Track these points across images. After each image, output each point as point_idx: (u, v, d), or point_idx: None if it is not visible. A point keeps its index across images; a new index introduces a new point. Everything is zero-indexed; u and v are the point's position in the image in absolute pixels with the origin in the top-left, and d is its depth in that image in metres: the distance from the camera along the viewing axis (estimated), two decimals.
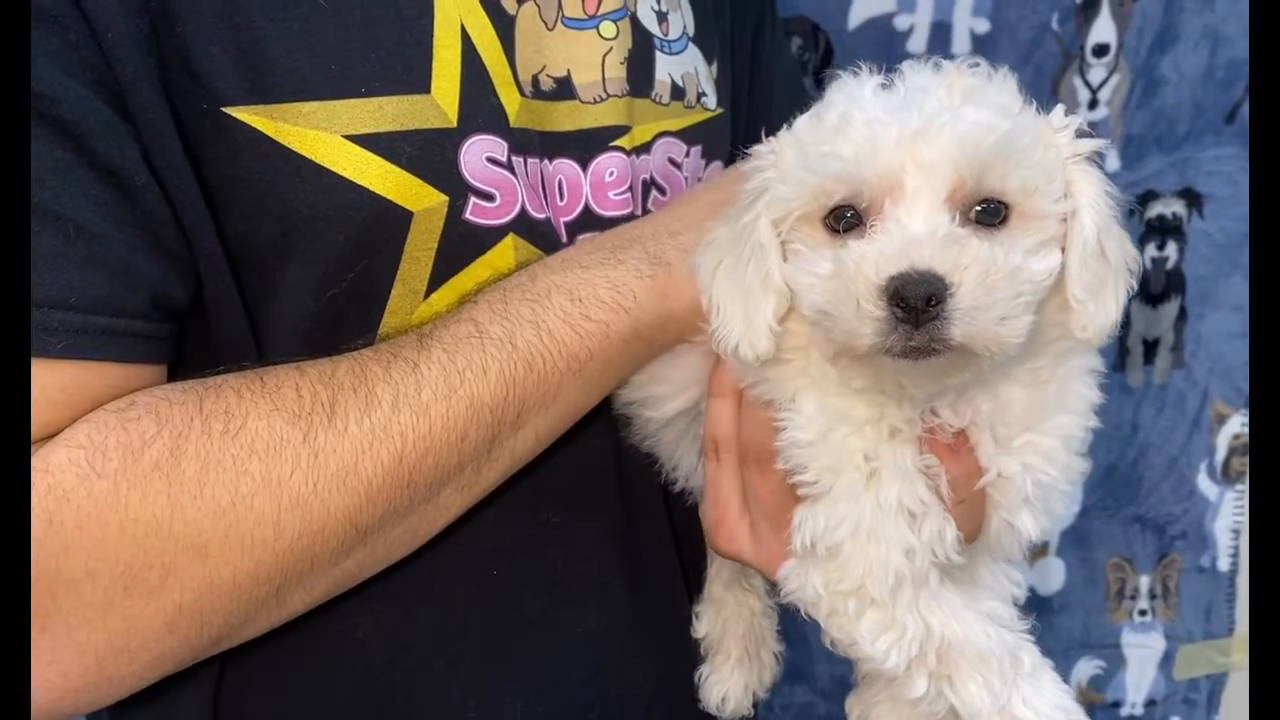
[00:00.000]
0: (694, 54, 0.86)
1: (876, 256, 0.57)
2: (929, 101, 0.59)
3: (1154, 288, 1.45)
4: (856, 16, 1.32)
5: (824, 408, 0.63)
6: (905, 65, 0.64)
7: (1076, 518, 1.57)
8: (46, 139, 0.56)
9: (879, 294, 0.56)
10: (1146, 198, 1.41)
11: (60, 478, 0.54)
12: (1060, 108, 0.65)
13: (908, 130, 0.58)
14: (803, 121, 0.64)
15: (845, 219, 0.61)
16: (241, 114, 0.61)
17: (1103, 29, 1.34)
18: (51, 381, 0.56)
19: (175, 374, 0.64)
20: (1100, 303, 0.62)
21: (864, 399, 0.63)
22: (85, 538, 0.55)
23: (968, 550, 0.69)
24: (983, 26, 1.33)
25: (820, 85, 1.38)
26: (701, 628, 0.85)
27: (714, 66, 0.88)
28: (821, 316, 0.60)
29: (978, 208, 0.59)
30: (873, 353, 0.57)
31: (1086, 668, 1.65)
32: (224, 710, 0.70)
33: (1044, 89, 1.36)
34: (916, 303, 0.55)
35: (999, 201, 0.60)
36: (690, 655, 0.85)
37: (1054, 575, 1.60)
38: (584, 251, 0.70)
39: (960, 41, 1.33)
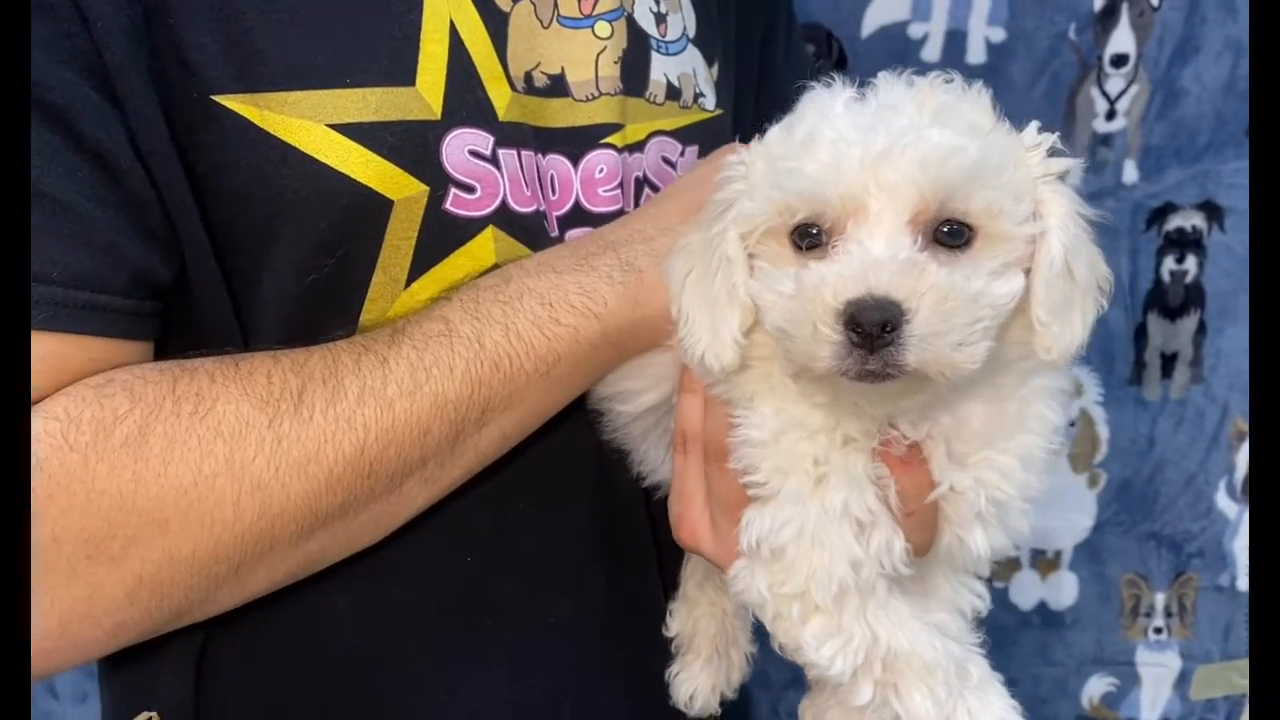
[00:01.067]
0: (693, 55, 0.86)
1: (835, 279, 0.56)
2: (897, 120, 0.59)
3: (1172, 301, 1.43)
4: (870, 24, 1.32)
5: (779, 411, 0.64)
6: (880, 77, 0.63)
7: (1090, 532, 1.56)
8: (36, 122, 0.58)
9: (835, 318, 0.56)
10: (1165, 210, 1.40)
11: (35, 447, 0.57)
12: (1034, 125, 0.64)
13: (872, 151, 0.57)
14: (774, 133, 0.64)
15: (810, 236, 0.61)
16: (230, 102, 0.64)
17: (1121, 39, 1.32)
18: (33, 352, 0.58)
19: (162, 353, 0.67)
20: (1065, 324, 0.62)
21: (822, 409, 0.63)
22: (54, 506, 0.57)
23: (923, 562, 0.70)
24: (998, 35, 1.32)
25: None
26: (674, 625, 0.85)
27: (715, 68, 0.89)
28: (781, 335, 0.60)
29: (942, 229, 0.59)
30: (829, 374, 0.57)
31: (1099, 684, 1.63)
32: (205, 679, 0.72)
33: (1060, 99, 1.35)
34: (871, 329, 0.55)
35: (963, 223, 0.59)
36: (666, 650, 0.85)
37: (1066, 589, 1.58)
38: (559, 256, 0.72)
39: (975, 50, 1.33)
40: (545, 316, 0.68)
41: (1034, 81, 1.34)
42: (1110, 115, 1.36)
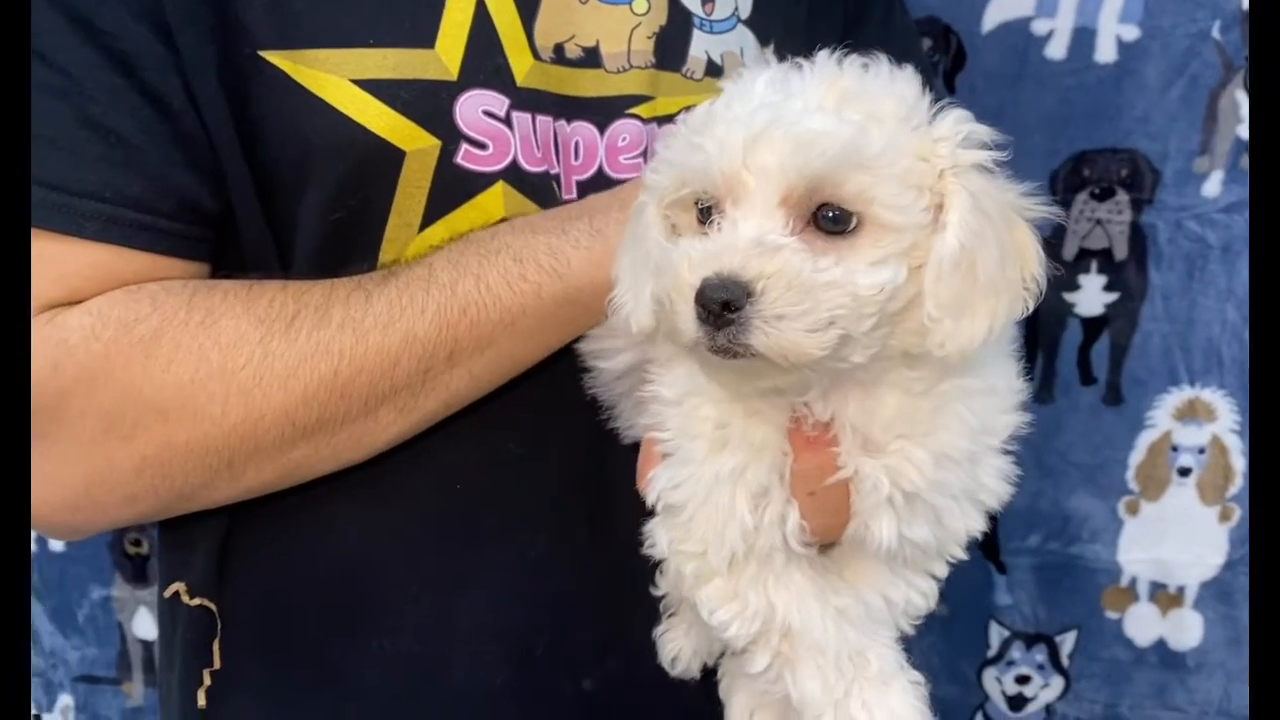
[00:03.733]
0: (742, 35, 0.90)
1: (695, 256, 0.59)
2: (791, 103, 0.60)
3: None
4: (991, 19, 1.29)
5: (692, 374, 0.67)
6: (817, 57, 0.64)
7: (1219, 570, 1.44)
8: (105, 65, 0.70)
9: (691, 293, 0.59)
10: None
11: (68, 334, 0.69)
12: (952, 115, 0.63)
13: (752, 132, 0.59)
14: (701, 107, 0.66)
15: (705, 211, 0.63)
16: (272, 57, 0.74)
17: None
18: (85, 258, 0.71)
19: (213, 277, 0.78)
20: (963, 321, 0.60)
21: (728, 381, 0.66)
22: (79, 385, 0.70)
23: (846, 548, 0.71)
24: (1131, 33, 1.25)
25: (952, 90, 1.36)
26: (663, 585, 0.87)
27: (770, 49, 0.91)
28: (659, 304, 0.63)
29: (825, 214, 0.60)
30: (691, 346, 0.60)
31: None
32: (226, 561, 0.84)
33: (1200, 102, 1.25)
34: (713, 307, 0.57)
35: (843, 209, 0.60)
36: (652, 604, 0.87)
37: (1189, 629, 1.47)
38: (544, 217, 0.78)
39: (1105, 49, 1.26)
40: (515, 272, 0.75)
41: (1170, 83, 1.25)
42: None
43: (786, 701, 0.69)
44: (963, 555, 0.73)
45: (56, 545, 1.65)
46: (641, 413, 0.81)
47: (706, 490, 0.65)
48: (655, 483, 0.68)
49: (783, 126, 0.58)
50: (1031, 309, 0.63)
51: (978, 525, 0.70)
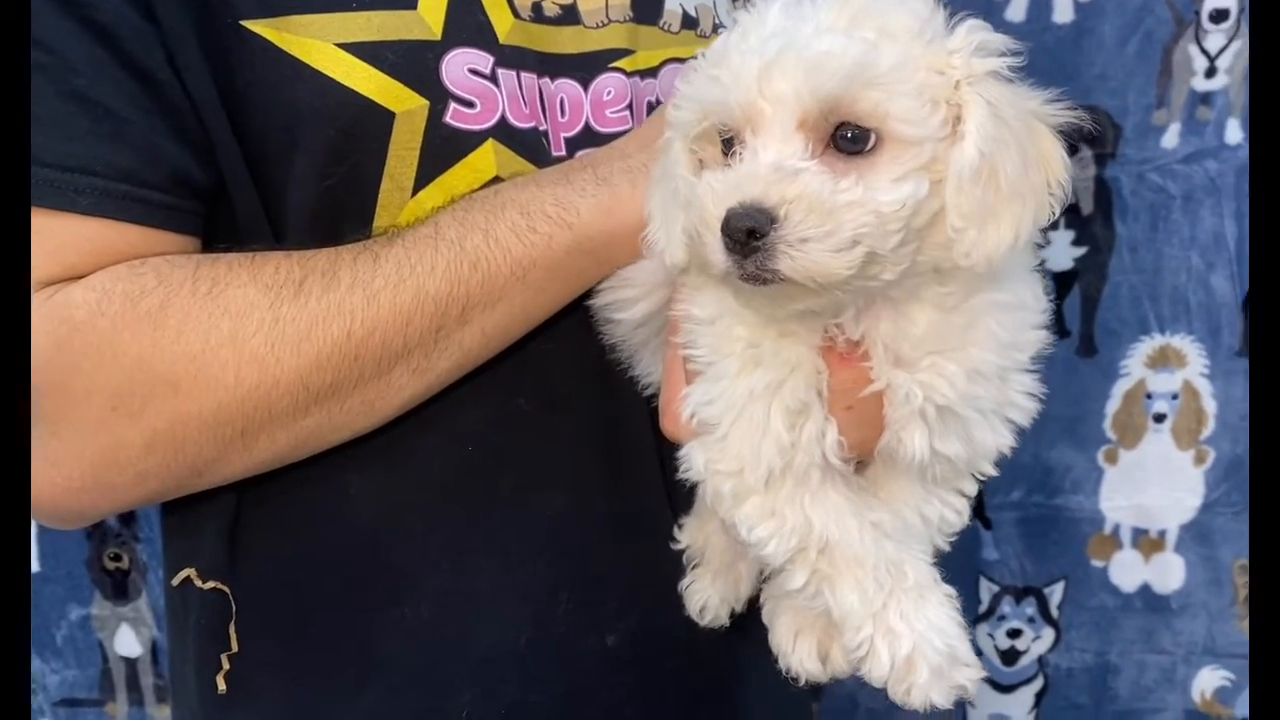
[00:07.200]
0: None
1: (720, 187, 0.60)
2: (803, 28, 0.61)
3: None
4: None
5: (723, 297, 0.67)
6: None
7: (1197, 513, 1.49)
8: (88, 40, 0.69)
9: (717, 224, 0.59)
10: None
11: (73, 312, 0.68)
12: (965, 26, 0.62)
13: (765, 60, 0.60)
14: (719, 41, 0.66)
15: (727, 143, 0.64)
16: (254, 26, 0.73)
17: None
18: (79, 233, 0.69)
19: (208, 250, 0.76)
20: (989, 229, 0.61)
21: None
22: (86, 362, 0.68)
23: (881, 466, 0.73)
24: None
25: None
26: (684, 538, 0.88)
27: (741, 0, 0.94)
28: (690, 238, 0.64)
29: (844, 135, 0.60)
30: (722, 276, 0.61)
31: (1211, 678, 1.55)
32: (238, 544, 0.82)
33: (1155, 57, 1.31)
34: (738, 236, 0.58)
35: (862, 127, 0.60)
36: (673, 556, 0.88)
37: (1172, 572, 1.52)
38: (545, 173, 0.78)
39: (1062, 9, 1.31)
40: (523, 225, 0.74)
41: (1125, 40, 1.30)
42: (1210, 73, 1.31)
43: (827, 618, 0.70)
44: (993, 471, 0.74)
45: (32, 565, 1.60)
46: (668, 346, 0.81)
47: (740, 406, 0.66)
48: (689, 400, 0.68)
49: (794, 51, 0.59)
50: (1058, 214, 0.64)
51: (1007, 441, 0.71)
